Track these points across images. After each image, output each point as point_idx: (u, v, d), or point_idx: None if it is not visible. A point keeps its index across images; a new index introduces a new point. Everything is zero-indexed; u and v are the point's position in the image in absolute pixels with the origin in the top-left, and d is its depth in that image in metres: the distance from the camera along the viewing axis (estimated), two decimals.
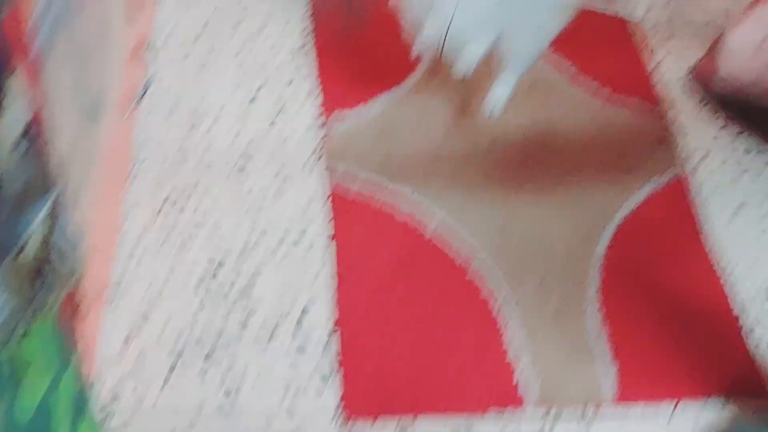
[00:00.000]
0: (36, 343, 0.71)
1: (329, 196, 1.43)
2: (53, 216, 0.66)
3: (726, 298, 1.40)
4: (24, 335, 0.68)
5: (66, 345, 0.77)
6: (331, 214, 1.42)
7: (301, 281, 1.34)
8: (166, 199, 1.38)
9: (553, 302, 1.37)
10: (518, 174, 1.52)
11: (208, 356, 1.24)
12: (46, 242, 0.65)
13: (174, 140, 1.46)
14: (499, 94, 1.42)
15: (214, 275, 1.32)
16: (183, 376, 1.22)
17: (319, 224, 1.40)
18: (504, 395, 1.27)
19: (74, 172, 0.97)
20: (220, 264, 1.33)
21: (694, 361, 1.34)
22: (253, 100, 1.52)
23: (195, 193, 1.40)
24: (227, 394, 1.21)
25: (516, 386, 1.28)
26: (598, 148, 1.58)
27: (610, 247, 1.45)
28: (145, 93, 1.38)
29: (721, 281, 1.43)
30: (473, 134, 1.55)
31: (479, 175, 1.51)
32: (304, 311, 1.31)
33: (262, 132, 1.48)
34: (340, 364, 1.27)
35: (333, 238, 1.39)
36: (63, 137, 0.87)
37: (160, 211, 1.37)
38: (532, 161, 1.54)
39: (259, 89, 1.55)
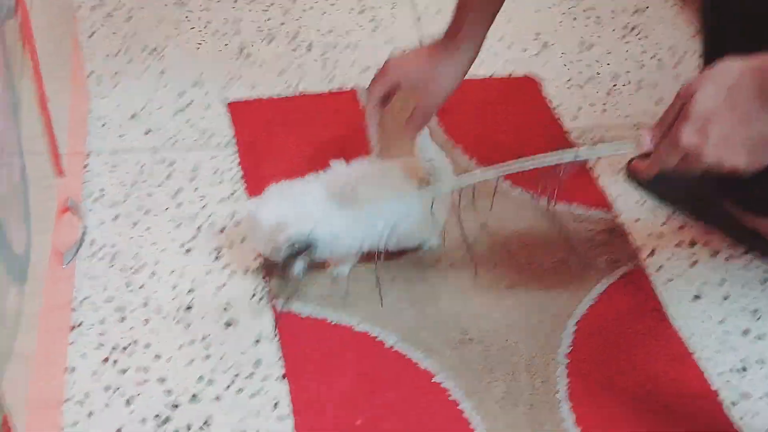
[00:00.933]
0: None
1: (276, 332, 1.39)
2: None
3: (702, 374, 1.37)
4: None
5: None
6: (280, 352, 1.37)
7: (256, 423, 1.27)
8: (106, 360, 1.32)
9: (523, 407, 1.32)
10: (471, 281, 1.50)
11: None
12: None
13: (111, 298, 1.41)
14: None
15: (164, 426, 1.25)
16: None
17: (269, 362, 1.34)
18: None
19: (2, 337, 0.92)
20: (168, 419, 1.26)
21: None
22: (188, 251, 1.50)
23: (136, 350, 1.34)
24: None
25: None
26: (550, 246, 1.57)
27: (575, 343, 1.42)
28: (79, 247, 1.34)
29: (694, 358, 1.39)
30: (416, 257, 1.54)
31: (428, 292, 1.48)
32: None
33: (200, 281, 1.44)
34: None
35: (284, 376, 1.33)
36: None
37: (102, 372, 1.31)
38: (482, 267, 1.52)
39: (192, 239, 1.52)
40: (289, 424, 1.27)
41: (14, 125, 1.03)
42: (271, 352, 1.36)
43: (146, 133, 1.72)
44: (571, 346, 1.42)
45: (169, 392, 1.30)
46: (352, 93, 1.86)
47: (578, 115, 1.84)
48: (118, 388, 1.29)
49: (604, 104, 1.87)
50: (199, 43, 1.95)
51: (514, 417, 1.31)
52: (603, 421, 1.31)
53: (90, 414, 1.26)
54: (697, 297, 1.51)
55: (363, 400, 1.31)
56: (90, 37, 1.93)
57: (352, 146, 1.53)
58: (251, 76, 1.87)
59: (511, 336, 1.43)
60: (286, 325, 1.40)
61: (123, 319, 1.39)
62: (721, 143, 1.03)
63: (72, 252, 1.32)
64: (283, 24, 2.02)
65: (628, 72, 1.95)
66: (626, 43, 2.03)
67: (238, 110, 1.79)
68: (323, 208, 1.37)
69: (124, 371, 1.31)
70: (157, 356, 1.34)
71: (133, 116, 1.76)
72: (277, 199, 1.38)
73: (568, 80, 1.92)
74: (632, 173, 1.68)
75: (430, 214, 1.42)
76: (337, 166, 1.43)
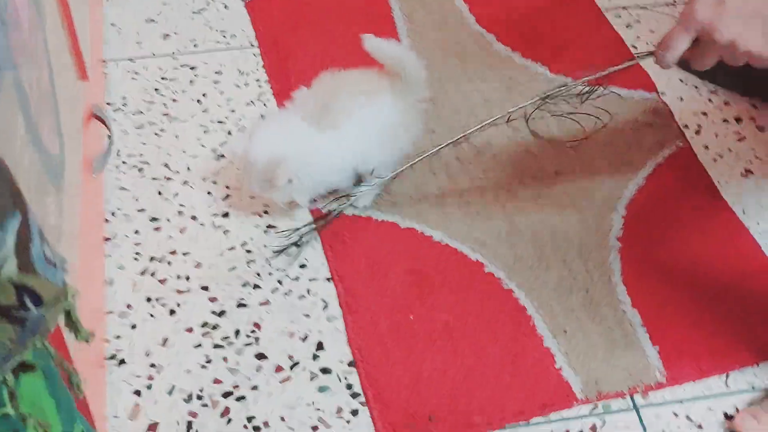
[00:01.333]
0: (32, 392, 0.60)
1: (316, 227, 1.34)
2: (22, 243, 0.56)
3: (759, 247, 1.32)
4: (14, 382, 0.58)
5: (66, 398, 0.66)
6: (324, 253, 1.32)
7: (306, 323, 1.23)
8: (144, 272, 1.28)
9: (578, 294, 1.28)
10: (513, 176, 1.44)
11: (224, 414, 1.12)
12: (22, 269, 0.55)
13: (143, 208, 1.36)
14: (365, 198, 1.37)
15: (212, 332, 1.21)
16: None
17: (315, 264, 1.30)
18: (549, 397, 1.16)
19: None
20: (216, 326, 1.22)
21: (739, 326, 1.24)
22: (220, 156, 1.44)
23: (175, 260, 1.30)
24: None
25: (560, 386, 1.17)
26: (595, 131, 1.51)
27: (626, 226, 1.37)
28: (108, 156, 1.28)
29: (750, 232, 1.34)
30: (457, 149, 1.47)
31: (472, 187, 1.42)
32: (317, 350, 1.20)
33: (235, 186, 1.39)
34: (366, 399, 1.15)
35: (330, 278, 1.29)
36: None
37: (141, 283, 1.26)
38: (525, 159, 1.46)
39: (223, 144, 1.46)
40: (340, 323, 1.23)
41: (41, 30, 0.97)
42: (315, 253, 1.31)
43: (164, 38, 1.65)
44: (622, 229, 1.37)
45: (213, 300, 1.25)
46: None
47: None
48: (159, 299, 1.25)
49: None
50: None
51: (570, 303, 1.27)
52: (660, 301, 1.27)
53: (133, 326, 1.22)
54: (748, 171, 1.46)
55: (414, 295, 1.27)
56: None
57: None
58: None
59: (560, 224, 1.37)
60: (328, 225, 1.35)
61: (158, 229, 1.34)
62: (737, 19, 0.97)
63: (101, 161, 1.26)
64: None
65: None
66: None
67: (258, 9, 1.71)
68: (307, 135, 1.30)
69: (164, 281, 1.27)
70: (198, 264, 1.30)
71: (149, 21, 1.68)
72: (264, 136, 1.30)
73: None
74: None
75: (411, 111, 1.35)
76: (301, 92, 1.35)
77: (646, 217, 1.39)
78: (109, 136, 1.30)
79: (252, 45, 1.64)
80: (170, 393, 1.15)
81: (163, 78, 1.57)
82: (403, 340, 1.22)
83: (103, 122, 1.30)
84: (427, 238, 1.35)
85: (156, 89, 1.55)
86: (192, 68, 1.59)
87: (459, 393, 1.16)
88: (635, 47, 1.68)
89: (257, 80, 1.57)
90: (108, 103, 1.51)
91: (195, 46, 1.63)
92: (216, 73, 1.58)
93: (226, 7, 1.72)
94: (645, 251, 1.34)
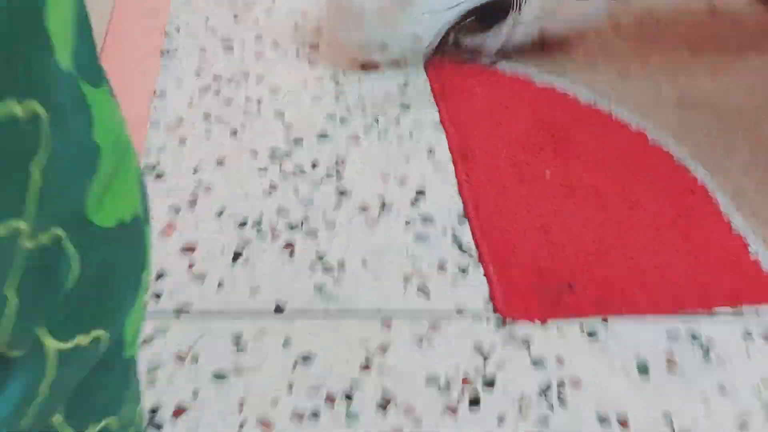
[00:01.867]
0: None
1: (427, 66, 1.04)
2: None
3: None
4: None
5: None
6: (434, 98, 1.02)
7: (405, 167, 0.92)
8: (206, 88, 0.99)
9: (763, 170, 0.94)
10: (684, 48, 1.12)
11: (286, 247, 0.81)
12: None
13: (215, 28, 1.08)
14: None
15: (284, 158, 0.91)
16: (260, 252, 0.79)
17: (421, 104, 1.00)
18: (742, 284, 0.82)
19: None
20: (288, 153, 0.92)
21: None
22: None
23: (246, 82, 1.01)
24: (328, 274, 0.77)
25: (757, 276, 0.83)
26: None
27: None
28: None
29: None
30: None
31: (631, 55, 1.11)
32: (418, 195, 0.89)
33: (328, 26, 1.10)
34: (481, 255, 0.83)
35: (441, 122, 0.98)
36: None
37: (200, 99, 0.98)
38: (698, 33, 1.15)
39: None
40: (449, 172, 0.92)
41: None
42: (421, 97, 1.01)
43: None
44: None
45: (289, 126, 0.96)
46: None
47: None
48: (220, 117, 0.96)
49: None
50: None
51: (765, 181, 0.93)
52: None
53: (183, 140, 0.92)
54: None
55: (550, 149, 0.95)
56: None
57: None
58: None
59: (747, 102, 1.05)
60: (438, 68, 1.05)
61: (230, 48, 1.05)
62: None
63: None
64: None
65: None
66: None
67: None
68: None
69: (229, 101, 0.98)
70: (275, 89, 1.00)
71: None
72: None
73: None
74: None
75: None
76: None
77: None
78: None
79: None
80: (219, 215, 0.85)
81: None
82: (533, 194, 0.90)
83: None
84: (570, 98, 1.03)
85: None
86: None
87: (611, 262, 0.83)
88: None
89: None
90: None
91: None
92: None
93: None
94: None
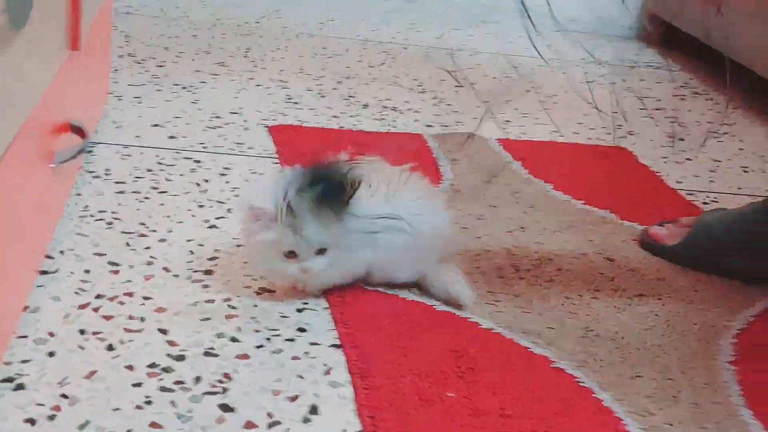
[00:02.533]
0: None
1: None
2: None
3: None
4: None
5: None
6: (334, 318, 0.97)
7: (298, 384, 0.85)
8: (85, 306, 0.92)
9: (686, 405, 0.91)
10: (583, 288, 1.12)
11: None
12: None
13: (102, 253, 1.03)
14: None
15: (163, 374, 0.83)
16: None
17: (319, 329, 0.94)
18: None
19: None
20: (168, 369, 0.84)
21: None
22: (212, 227, 1.13)
23: (131, 301, 0.94)
24: None
25: None
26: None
27: (739, 351, 1.02)
28: (76, 155, 0.98)
29: None
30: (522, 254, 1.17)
31: (531, 291, 1.10)
32: (311, 413, 0.81)
33: (228, 252, 1.07)
34: None
35: (340, 345, 0.93)
36: None
37: (76, 316, 0.90)
38: (598, 279, 1.15)
39: (219, 219, 1.16)
40: (347, 391, 0.85)
41: None
42: (320, 319, 0.96)
43: (168, 138, 1.41)
44: (734, 356, 1.01)
45: (172, 344, 0.88)
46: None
47: None
48: (97, 333, 0.88)
49: None
50: None
51: (677, 414, 0.89)
52: None
53: (51, 353, 0.84)
54: None
55: (452, 372, 0.90)
56: None
57: None
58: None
59: (649, 336, 1.03)
60: (339, 294, 1.01)
61: (116, 272, 1.00)
62: None
63: (65, 155, 0.96)
64: None
65: None
66: None
67: (282, 132, 1.49)
68: None
69: (109, 318, 0.91)
70: (160, 309, 0.94)
71: (153, 125, 1.45)
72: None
73: None
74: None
75: None
76: None
77: (763, 348, 1.04)
78: (82, 150, 1.01)
79: (271, 155, 1.40)
80: (82, 428, 0.75)
81: (159, 163, 1.31)
82: (436, 417, 0.83)
83: (81, 131, 1.02)
84: (472, 324, 1.00)
85: (149, 169, 1.28)
86: (197, 161, 1.33)
87: None
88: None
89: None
90: (86, 170, 1.24)
91: (204, 146, 1.39)
92: (225, 168, 1.32)
93: (246, 128, 1.50)
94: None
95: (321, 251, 0.95)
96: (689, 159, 1.65)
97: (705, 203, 1.47)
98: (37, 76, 0.84)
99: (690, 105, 2.00)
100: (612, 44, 2.52)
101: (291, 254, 0.95)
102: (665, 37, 2.57)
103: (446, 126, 1.62)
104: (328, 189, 0.93)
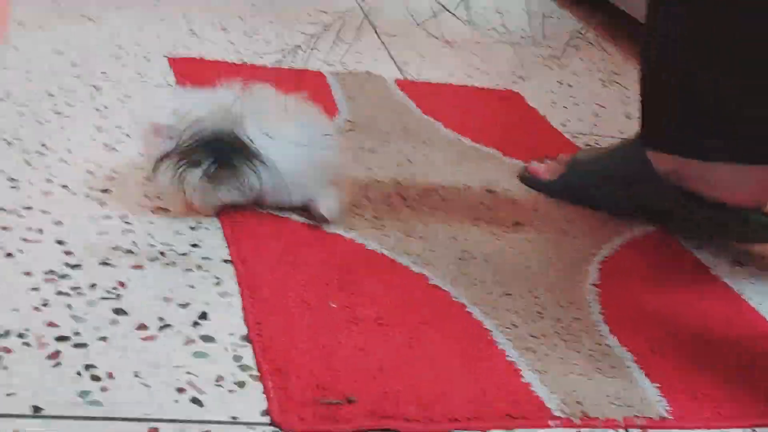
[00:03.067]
0: None
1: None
2: None
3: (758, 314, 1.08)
4: None
5: None
6: (224, 238, 1.03)
7: (189, 293, 0.90)
8: None
9: (549, 321, 1.00)
10: (464, 216, 1.20)
11: (51, 356, 0.76)
12: None
13: (2, 169, 1.06)
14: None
15: (59, 280, 0.88)
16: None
17: (210, 244, 1.00)
18: (515, 408, 0.84)
19: None
20: (66, 276, 0.89)
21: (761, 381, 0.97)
22: (113, 149, 1.17)
23: (29, 215, 0.98)
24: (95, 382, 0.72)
25: (529, 400, 0.86)
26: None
27: (602, 277, 1.13)
28: None
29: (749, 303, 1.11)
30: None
31: (414, 218, 1.17)
32: (200, 318, 0.87)
33: (125, 173, 1.11)
34: (261, 372, 0.81)
35: (230, 260, 0.99)
36: None
37: None
38: (479, 208, 1.23)
39: (118, 143, 1.20)
40: (235, 300, 0.91)
41: None
42: (212, 236, 1.02)
43: (71, 65, 1.43)
44: (599, 280, 1.11)
45: (68, 253, 0.93)
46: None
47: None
48: None
49: None
50: None
51: (540, 328, 0.98)
52: (653, 347, 0.99)
53: None
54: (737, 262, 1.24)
55: (335, 286, 0.97)
56: None
57: None
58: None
59: (522, 260, 1.12)
60: (232, 215, 1.06)
61: (15, 188, 1.03)
62: None
63: None
64: None
65: None
66: None
67: (180, 65, 1.52)
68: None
69: (7, 228, 0.95)
70: (58, 222, 0.98)
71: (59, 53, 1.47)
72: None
73: None
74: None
75: None
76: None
77: (625, 273, 1.15)
78: None
79: (170, 86, 1.43)
80: None
81: (60, 88, 1.33)
82: (318, 322, 0.90)
83: None
84: (358, 245, 1.07)
85: (51, 94, 1.30)
86: (97, 88, 1.36)
87: (389, 380, 0.83)
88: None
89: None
90: None
91: (104, 75, 1.42)
92: (125, 96, 1.35)
93: (147, 59, 1.53)
94: (629, 302, 1.08)
95: None
96: (576, 104, 1.75)
97: (587, 145, 1.56)
98: None
99: (582, 54, 2.10)
100: None
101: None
102: None
103: (345, 65, 1.68)
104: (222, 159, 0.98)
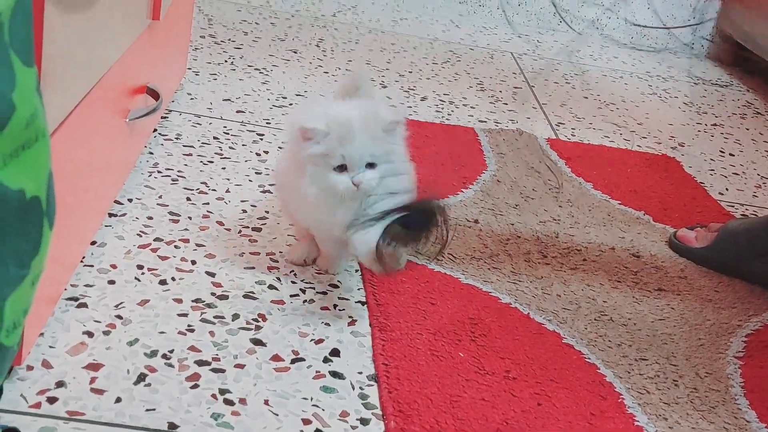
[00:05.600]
0: None
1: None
2: None
3: None
4: None
5: None
6: (363, 280, 1.06)
7: (323, 330, 0.94)
8: (145, 246, 1.03)
9: (684, 389, 0.98)
10: (605, 278, 1.19)
11: (190, 378, 0.81)
12: None
13: (165, 204, 1.14)
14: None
15: (205, 309, 0.93)
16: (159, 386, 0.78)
17: (349, 286, 1.03)
18: None
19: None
20: (211, 305, 0.95)
21: None
22: (265, 191, 1.23)
23: (186, 246, 1.05)
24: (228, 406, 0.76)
25: None
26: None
27: (747, 349, 1.08)
28: (151, 112, 1.09)
29: None
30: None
31: (554, 276, 1.17)
32: (331, 355, 0.90)
33: (276, 214, 1.17)
34: (385, 411, 0.83)
35: (365, 302, 1.02)
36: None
37: (137, 253, 1.01)
38: (622, 272, 1.21)
39: (272, 185, 1.26)
40: (366, 340, 0.94)
41: None
42: (351, 279, 1.05)
43: (236, 113, 1.52)
44: (743, 352, 1.07)
45: (217, 285, 0.99)
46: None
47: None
48: (153, 270, 0.99)
49: None
50: None
51: (674, 395, 0.96)
52: None
53: (112, 281, 0.95)
54: None
55: (466, 335, 0.98)
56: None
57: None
58: None
59: (661, 326, 1.10)
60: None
61: (175, 221, 1.11)
62: None
63: (139, 112, 1.07)
64: None
65: None
66: None
67: None
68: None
69: (165, 258, 1.02)
70: (210, 255, 1.04)
71: (225, 100, 1.56)
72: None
73: None
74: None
75: None
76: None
77: None
78: (154, 110, 1.12)
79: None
80: (131, 344, 0.85)
81: (225, 133, 1.42)
82: (445, 370, 0.91)
83: (156, 95, 1.14)
84: (492, 298, 1.08)
85: (216, 137, 1.39)
86: (259, 134, 1.44)
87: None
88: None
89: None
90: (159, 133, 1.35)
91: (267, 123, 1.50)
92: (283, 142, 1.43)
93: None
94: None
95: (371, 165, 0.96)
96: (736, 173, 1.70)
97: (743, 215, 1.52)
98: (117, 38, 0.95)
99: (749, 124, 2.04)
100: (680, 60, 2.55)
101: (341, 168, 0.95)
102: (736, 57, 2.60)
103: (499, 123, 1.70)
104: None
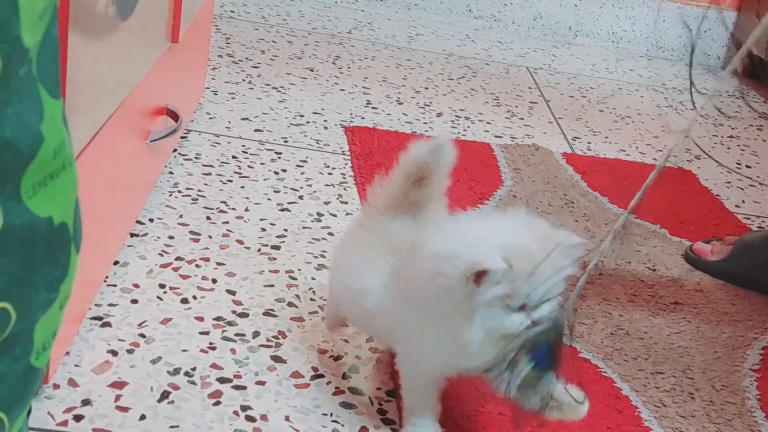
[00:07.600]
0: None
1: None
2: None
3: None
4: None
5: None
6: None
7: (343, 346, 0.95)
8: (167, 265, 1.05)
9: (700, 402, 0.99)
10: (620, 292, 1.20)
11: (212, 395, 0.83)
12: None
13: (186, 223, 1.16)
14: None
15: (226, 327, 0.95)
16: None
17: None
18: None
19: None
20: (232, 323, 0.96)
21: None
22: (284, 210, 1.25)
23: (206, 265, 1.07)
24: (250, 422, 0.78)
25: None
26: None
27: (764, 361, 1.08)
28: (171, 134, 1.12)
29: None
30: None
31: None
32: (351, 372, 0.91)
33: (295, 232, 1.19)
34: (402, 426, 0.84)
35: None
36: None
37: (158, 272, 1.03)
38: (637, 284, 1.22)
39: (291, 203, 1.28)
40: (385, 357, 0.95)
41: None
42: None
43: (255, 131, 1.54)
44: (759, 365, 1.08)
45: (238, 303, 1.00)
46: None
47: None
48: (175, 288, 1.01)
49: None
50: None
51: (690, 408, 0.97)
52: None
53: (134, 301, 0.97)
54: None
55: None
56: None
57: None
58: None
59: (677, 339, 1.10)
60: None
61: (196, 240, 1.13)
62: None
63: (160, 134, 1.10)
64: None
65: None
66: None
67: (356, 132, 1.61)
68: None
69: (186, 277, 1.04)
70: (231, 273, 1.06)
71: (243, 119, 1.59)
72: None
73: None
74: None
75: None
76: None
77: None
78: (174, 131, 1.15)
79: (344, 153, 1.51)
80: (154, 362, 0.87)
81: (244, 152, 1.44)
82: (463, 386, 0.92)
83: (175, 116, 1.16)
84: None
85: (234, 156, 1.41)
86: (277, 153, 1.46)
87: None
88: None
89: (342, 174, 1.42)
90: (179, 153, 1.38)
91: (285, 141, 1.52)
92: (301, 161, 1.45)
93: (325, 128, 1.62)
94: None
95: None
96: (753, 185, 1.70)
97: (759, 227, 1.52)
98: (137, 62, 0.98)
99: (766, 135, 2.04)
100: (697, 72, 2.56)
101: (522, 306, 0.78)
102: (754, 69, 2.60)
103: (515, 138, 1.72)
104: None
